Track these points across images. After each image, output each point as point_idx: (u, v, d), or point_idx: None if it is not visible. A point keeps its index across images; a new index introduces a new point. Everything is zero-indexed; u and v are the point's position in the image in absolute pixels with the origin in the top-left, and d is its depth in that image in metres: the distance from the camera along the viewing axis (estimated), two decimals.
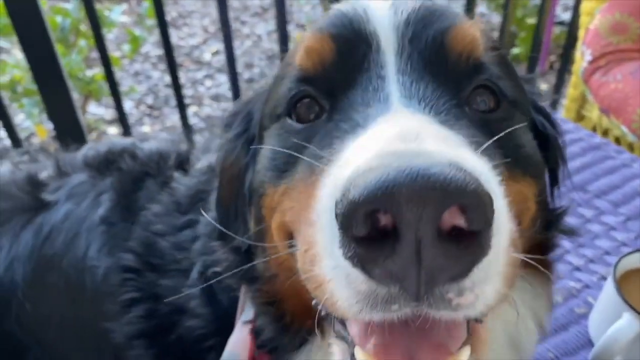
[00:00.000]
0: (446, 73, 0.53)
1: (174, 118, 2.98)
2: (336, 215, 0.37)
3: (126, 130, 2.05)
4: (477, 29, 0.56)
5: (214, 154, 0.81)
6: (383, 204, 0.35)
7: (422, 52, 0.53)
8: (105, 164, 0.90)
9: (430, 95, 0.50)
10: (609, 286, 0.86)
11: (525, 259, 0.45)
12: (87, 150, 0.95)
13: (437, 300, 0.38)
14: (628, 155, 1.34)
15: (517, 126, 0.55)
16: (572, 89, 2.04)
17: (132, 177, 0.86)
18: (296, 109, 0.56)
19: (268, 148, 0.58)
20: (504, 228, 0.40)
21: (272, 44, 3.62)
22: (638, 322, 0.79)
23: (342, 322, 0.50)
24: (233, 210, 0.65)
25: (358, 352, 0.46)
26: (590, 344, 0.91)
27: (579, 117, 2.02)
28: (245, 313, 0.66)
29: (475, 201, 0.35)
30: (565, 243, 1.11)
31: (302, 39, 0.58)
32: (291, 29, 3.75)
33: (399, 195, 0.34)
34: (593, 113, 1.91)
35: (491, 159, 0.46)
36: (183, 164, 0.87)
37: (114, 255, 0.79)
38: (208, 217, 0.69)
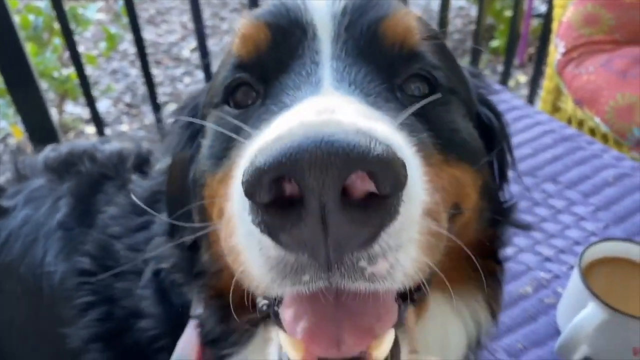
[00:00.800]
0: (379, 60, 0.53)
1: (152, 116, 2.96)
2: (242, 183, 0.36)
3: (101, 130, 2.03)
4: (413, 18, 0.56)
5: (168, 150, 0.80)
6: (286, 170, 0.34)
7: (357, 40, 0.53)
8: (65, 167, 0.89)
9: (362, 80, 0.50)
10: (575, 275, 0.87)
11: (450, 235, 0.45)
12: (49, 152, 0.94)
13: (349, 270, 0.38)
14: (598, 146, 1.36)
15: (451, 112, 0.56)
16: (548, 81, 2.05)
17: (91, 181, 0.86)
18: (233, 96, 0.57)
19: (207, 137, 0.58)
20: (416, 196, 0.40)
21: None
22: (603, 311, 0.80)
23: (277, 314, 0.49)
24: (180, 206, 0.64)
25: (283, 339, 0.46)
26: (558, 334, 0.91)
27: (555, 109, 2.04)
28: (195, 310, 0.66)
29: (380, 165, 0.35)
30: (535, 234, 1.12)
31: (238, 27, 0.58)
32: None
33: (301, 161, 0.34)
34: (568, 105, 1.93)
35: (418, 139, 0.46)
36: (142, 165, 0.86)
37: (70, 260, 0.78)
38: (160, 216, 0.68)
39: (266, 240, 0.38)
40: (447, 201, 0.50)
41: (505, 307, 0.97)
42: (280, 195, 0.36)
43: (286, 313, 0.46)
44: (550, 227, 1.14)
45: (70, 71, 2.63)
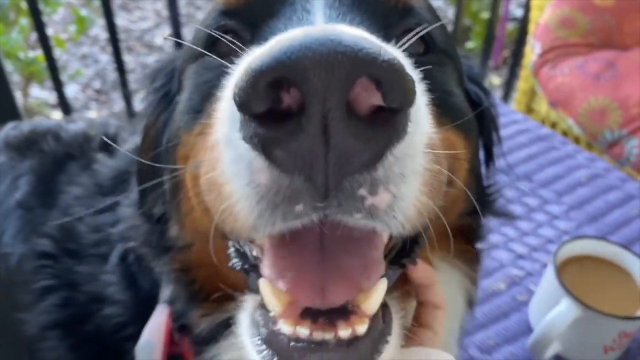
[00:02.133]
0: (375, 12, 0.50)
1: (122, 103, 2.89)
2: (234, 95, 0.32)
3: (68, 115, 1.97)
4: None
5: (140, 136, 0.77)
6: (286, 70, 0.30)
7: None
8: (27, 144, 0.85)
9: (356, 27, 0.46)
10: (549, 273, 0.87)
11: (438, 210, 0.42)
12: (10, 129, 0.89)
13: (347, 198, 0.34)
14: (572, 147, 1.37)
15: (446, 74, 0.54)
16: (523, 82, 2.07)
17: (54, 160, 0.82)
18: (217, 46, 0.52)
19: (184, 91, 0.54)
20: (423, 121, 0.37)
21: None
22: (576, 308, 0.80)
23: (256, 272, 0.46)
24: (150, 176, 0.59)
25: (265, 290, 0.42)
26: (530, 330, 0.91)
27: (529, 110, 2.05)
28: (164, 294, 0.62)
29: (390, 72, 0.31)
30: (509, 231, 1.12)
31: None
32: None
33: (304, 59, 0.30)
34: (542, 107, 1.94)
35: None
36: (108, 145, 0.82)
37: (29, 241, 0.74)
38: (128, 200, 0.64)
39: (257, 161, 0.34)
40: (443, 165, 0.48)
41: (478, 304, 0.97)
42: (278, 106, 0.31)
43: (268, 265, 0.43)
44: (524, 225, 1.14)
45: (36, 53, 2.54)
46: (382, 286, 0.42)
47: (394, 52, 0.33)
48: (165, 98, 0.61)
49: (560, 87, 1.81)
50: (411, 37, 0.44)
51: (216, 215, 0.40)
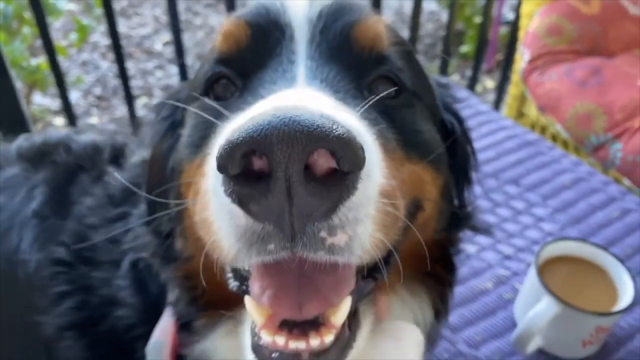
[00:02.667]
0: (350, 62, 0.58)
1: (123, 109, 2.93)
2: (216, 158, 0.40)
3: (72, 122, 2.01)
4: (382, 25, 0.61)
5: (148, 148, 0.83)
6: (256, 145, 0.38)
7: (330, 42, 0.58)
8: (40, 156, 0.90)
9: (333, 78, 0.54)
10: (532, 272, 0.93)
11: (403, 218, 0.50)
12: (22, 141, 0.94)
13: (310, 240, 0.42)
14: (558, 152, 1.43)
15: (415, 114, 0.61)
16: (514, 87, 2.13)
17: (66, 171, 0.87)
18: (214, 89, 0.61)
19: (187, 127, 0.62)
20: (373, 176, 0.44)
21: None
22: (556, 305, 0.86)
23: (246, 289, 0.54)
24: (158, 195, 0.67)
25: (250, 306, 0.50)
26: (515, 327, 0.97)
27: (520, 115, 2.11)
28: (171, 298, 0.68)
29: (340, 144, 0.39)
30: (497, 233, 1.18)
31: (222, 26, 0.62)
32: None
33: (270, 136, 0.38)
34: (532, 111, 2.01)
35: (379, 132, 0.51)
36: (118, 157, 0.88)
37: (45, 249, 0.79)
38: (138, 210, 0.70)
39: (236, 210, 0.42)
40: (407, 193, 0.54)
41: (466, 302, 1.03)
42: (250, 168, 0.39)
43: (254, 285, 0.51)
44: (511, 227, 1.20)
45: (39, 61, 2.59)
46: (347, 303, 0.50)
47: (346, 123, 0.41)
48: (171, 127, 0.69)
49: (548, 93, 1.87)
50: (381, 82, 0.56)
51: (207, 245, 0.48)
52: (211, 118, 0.54)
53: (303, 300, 0.48)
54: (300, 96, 0.47)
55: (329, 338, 0.48)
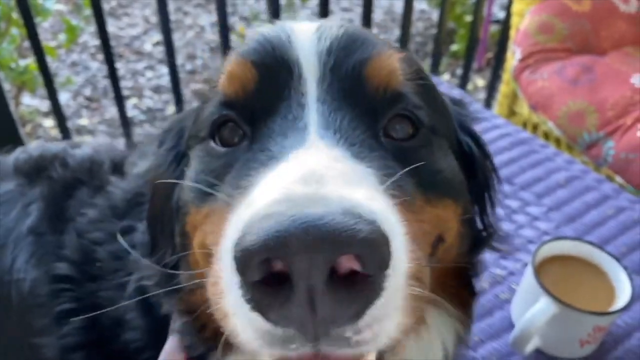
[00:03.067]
0: (364, 103, 0.54)
1: (113, 110, 2.91)
2: (233, 259, 0.38)
3: (61, 123, 1.99)
4: (396, 59, 0.57)
5: (151, 158, 0.81)
6: (275, 253, 0.35)
7: (342, 82, 0.54)
8: (36, 171, 0.87)
9: (347, 126, 0.51)
10: (529, 272, 0.92)
11: (429, 294, 0.47)
12: (19, 154, 0.92)
13: (334, 340, 0.40)
14: (551, 150, 1.43)
15: (433, 152, 0.58)
16: (505, 86, 2.13)
17: (63, 186, 0.84)
18: (220, 132, 0.57)
19: (192, 169, 0.59)
20: (400, 267, 0.41)
21: (215, 36, 3.58)
22: (553, 305, 0.86)
23: None
24: (161, 225, 0.66)
25: None
26: (512, 327, 0.97)
27: (511, 113, 2.12)
28: (174, 325, 0.67)
29: (365, 248, 0.36)
30: None
31: (225, 64, 0.59)
32: (234, 21, 3.73)
33: (290, 245, 0.35)
34: (523, 109, 2.01)
35: (401, 189, 0.48)
36: (118, 167, 0.86)
37: (43, 266, 0.77)
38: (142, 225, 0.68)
39: (255, 315, 0.39)
40: (430, 238, 0.52)
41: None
42: (270, 272, 0.37)
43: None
44: (506, 226, 1.20)
45: (27, 62, 2.56)
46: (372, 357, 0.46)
47: (369, 217, 0.37)
48: (175, 159, 0.66)
49: (540, 91, 1.88)
50: (398, 121, 0.53)
51: (222, 325, 0.45)
52: (213, 180, 0.52)
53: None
54: (315, 171, 0.42)
55: None
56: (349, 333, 0.39)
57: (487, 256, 1.12)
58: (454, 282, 0.65)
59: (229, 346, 0.59)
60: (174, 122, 0.71)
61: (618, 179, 1.67)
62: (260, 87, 0.55)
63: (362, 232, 0.36)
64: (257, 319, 0.39)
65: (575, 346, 0.90)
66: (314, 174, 0.42)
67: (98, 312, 0.70)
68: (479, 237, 0.70)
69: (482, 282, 1.06)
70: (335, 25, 0.58)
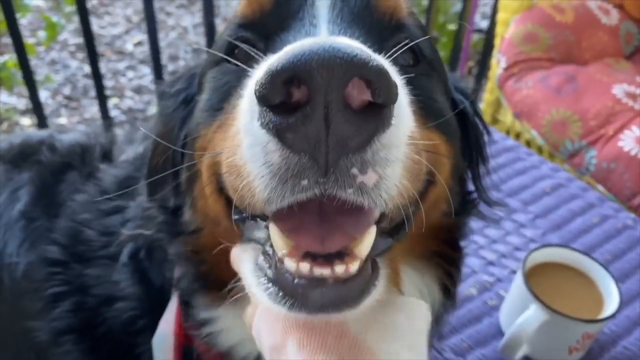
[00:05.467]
0: (371, 27, 0.58)
1: (92, 110, 2.86)
2: (255, 90, 0.40)
3: (41, 122, 1.95)
4: None
5: (139, 145, 0.79)
6: (298, 71, 0.38)
7: (351, 8, 0.58)
8: (22, 156, 0.87)
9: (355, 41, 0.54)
10: (519, 279, 0.93)
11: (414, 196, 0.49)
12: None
13: (342, 176, 0.42)
14: (536, 158, 1.44)
15: (432, 83, 0.62)
16: (488, 94, 2.15)
17: (53, 170, 0.84)
18: (235, 54, 0.59)
19: (205, 92, 0.61)
20: (405, 116, 0.45)
21: (198, 37, 3.55)
22: (543, 313, 0.86)
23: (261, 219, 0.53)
24: (164, 169, 0.66)
25: (274, 236, 0.48)
26: (501, 334, 0.97)
27: (494, 121, 2.14)
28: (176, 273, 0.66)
29: (378, 75, 0.39)
30: (479, 239, 1.18)
31: None
32: (218, 22, 3.70)
33: (311, 62, 0.38)
34: (507, 117, 2.03)
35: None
36: (108, 155, 0.86)
37: (36, 250, 0.76)
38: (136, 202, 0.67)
39: (271, 144, 0.41)
40: (422, 168, 0.54)
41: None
42: (289, 100, 0.39)
43: (276, 224, 0.49)
44: (493, 233, 1.21)
45: (5, 59, 2.50)
46: (372, 232, 0.49)
47: (382, 60, 0.41)
48: (184, 101, 0.68)
49: (524, 99, 1.90)
50: (401, 48, 0.54)
51: (235, 193, 0.47)
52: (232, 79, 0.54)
53: (326, 235, 0.47)
54: (331, 37, 0.46)
55: (353, 267, 0.47)
56: (356, 169, 0.42)
57: (475, 262, 1.13)
58: (440, 240, 0.68)
59: (224, 295, 0.60)
60: (183, 71, 0.72)
61: (600, 187, 1.69)
62: (276, 9, 0.58)
63: (375, 61, 0.39)
64: (273, 149, 0.41)
65: (564, 353, 0.90)
66: (331, 37, 0.45)
67: (85, 293, 0.71)
68: (468, 199, 0.72)
69: (470, 289, 1.07)
70: None
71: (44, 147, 0.87)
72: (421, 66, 0.61)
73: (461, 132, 0.67)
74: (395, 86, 0.40)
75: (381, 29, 0.59)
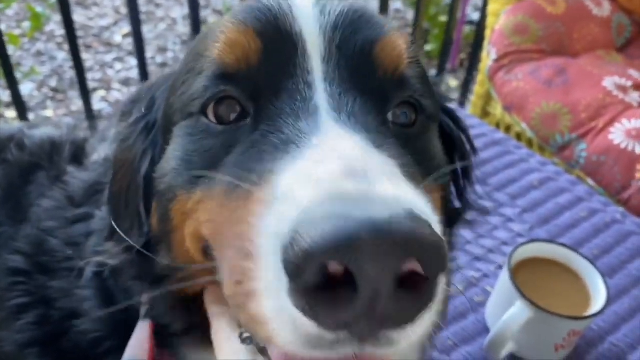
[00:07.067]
0: (373, 86, 0.52)
1: (79, 102, 2.81)
2: (286, 262, 0.35)
3: (22, 115, 1.91)
4: (404, 41, 0.55)
5: (111, 144, 0.76)
6: (342, 257, 0.33)
7: (350, 61, 0.51)
8: None
9: (359, 111, 0.48)
10: (504, 275, 0.91)
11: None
12: None
13: (380, 340, 0.38)
14: (525, 151, 1.42)
15: (430, 140, 0.57)
16: (479, 86, 2.13)
17: (20, 170, 0.79)
18: (215, 108, 0.52)
19: (178, 148, 0.54)
20: (449, 268, 0.40)
21: (187, 28, 3.51)
22: (529, 309, 0.84)
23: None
24: (125, 203, 0.61)
25: None
26: (487, 331, 0.95)
27: (484, 114, 2.12)
28: (144, 309, 0.63)
29: (433, 253, 0.35)
30: (466, 234, 1.16)
31: (219, 30, 0.53)
32: (207, 14, 3.66)
33: (360, 249, 0.33)
34: (497, 110, 2.01)
35: (418, 183, 0.46)
36: (78, 155, 0.81)
37: (0, 258, 0.72)
38: (102, 212, 0.64)
39: (305, 321, 0.36)
40: None
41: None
42: (326, 274, 0.34)
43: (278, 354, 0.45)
44: (480, 228, 1.18)
45: None
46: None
47: (438, 229, 0.37)
48: (145, 129, 0.61)
49: (514, 91, 1.88)
50: (404, 107, 0.53)
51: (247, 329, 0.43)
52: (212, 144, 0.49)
53: None
54: (353, 163, 0.40)
55: None
56: (396, 334, 0.38)
57: (461, 258, 1.11)
58: None
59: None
60: (141, 91, 0.66)
61: (589, 181, 1.67)
62: (264, 60, 0.51)
63: (429, 237, 0.35)
64: (305, 324, 0.36)
65: (550, 351, 0.89)
66: (356, 168, 0.39)
67: (49, 306, 0.67)
68: (454, 213, 0.69)
69: (456, 285, 1.05)
70: None
71: (12, 144, 0.82)
72: (420, 122, 0.56)
73: (448, 152, 0.64)
74: (447, 253, 0.36)
75: (383, 86, 0.52)
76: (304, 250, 0.33)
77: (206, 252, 0.52)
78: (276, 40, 0.51)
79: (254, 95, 0.51)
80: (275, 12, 0.52)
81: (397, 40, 0.54)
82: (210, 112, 0.52)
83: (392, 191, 0.38)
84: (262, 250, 0.39)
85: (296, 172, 0.41)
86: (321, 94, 0.49)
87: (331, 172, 0.39)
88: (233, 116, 0.51)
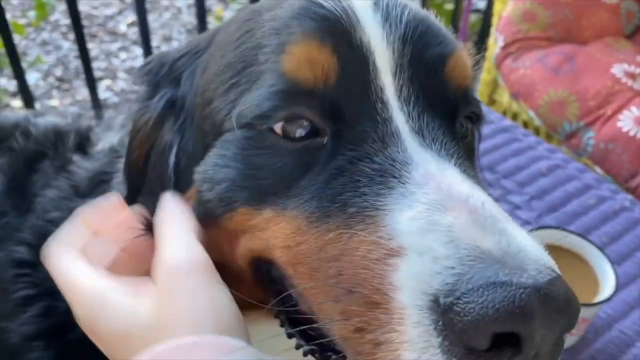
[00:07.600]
0: (444, 103, 0.51)
1: (84, 91, 2.82)
2: (446, 325, 0.36)
3: (29, 104, 1.91)
4: (470, 56, 0.55)
5: (116, 133, 0.75)
6: (514, 326, 0.35)
7: (421, 78, 0.49)
8: None
9: (438, 133, 0.48)
10: None
11: None
12: None
13: None
14: (533, 139, 1.41)
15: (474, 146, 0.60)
16: (485, 74, 2.11)
17: (26, 159, 0.78)
18: (284, 125, 0.49)
19: (238, 158, 0.51)
20: None
21: (191, 17, 3.50)
22: None
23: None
24: (142, 178, 0.60)
25: None
26: None
27: (491, 101, 2.10)
28: None
29: (576, 320, 0.39)
30: None
31: (285, 35, 0.49)
32: (212, 3, 3.64)
33: (532, 317, 0.35)
34: (504, 98, 2.00)
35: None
36: (83, 144, 0.80)
37: (4, 249, 0.72)
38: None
39: None
40: None
41: None
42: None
43: None
44: None
45: None
46: None
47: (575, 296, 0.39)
48: (168, 110, 0.59)
49: (521, 79, 1.86)
50: (469, 121, 0.56)
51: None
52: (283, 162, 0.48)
53: None
54: (479, 209, 0.41)
55: None
56: None
57: None
58: None
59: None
60: (164, 58, 0.62)
61: (597, 169, 1.66)
62: (341, 78, 0.48)
63: (575, 297, 0.39)
64: None
65: None
66: (482, 215, 0.41)
67: (54, 298, 0.65)
68: None
69: None
70: (394, 2, 0.52)
71: (18, 132, 0.81)
72: (470, 132, 0.56)
73: None
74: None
75: (453, 103, 0.51)
76: (476, 319, 0.35)
77: (258, 267, 0.51)
78: (350, 55, 0.49)
79: (331, 115, 0.48)
80: (345, 22, 0.49)
81: (465, 56, 0.53)
82: (277, 127, 0.49)
83: (529, 246, 0.40)
84: (402, 305, 0.38)
85: (419, 219, 0.41)
86: (398, 114, 0.48)
87: (462, 224, 0.40)
88: (300, 132, 0.49)
